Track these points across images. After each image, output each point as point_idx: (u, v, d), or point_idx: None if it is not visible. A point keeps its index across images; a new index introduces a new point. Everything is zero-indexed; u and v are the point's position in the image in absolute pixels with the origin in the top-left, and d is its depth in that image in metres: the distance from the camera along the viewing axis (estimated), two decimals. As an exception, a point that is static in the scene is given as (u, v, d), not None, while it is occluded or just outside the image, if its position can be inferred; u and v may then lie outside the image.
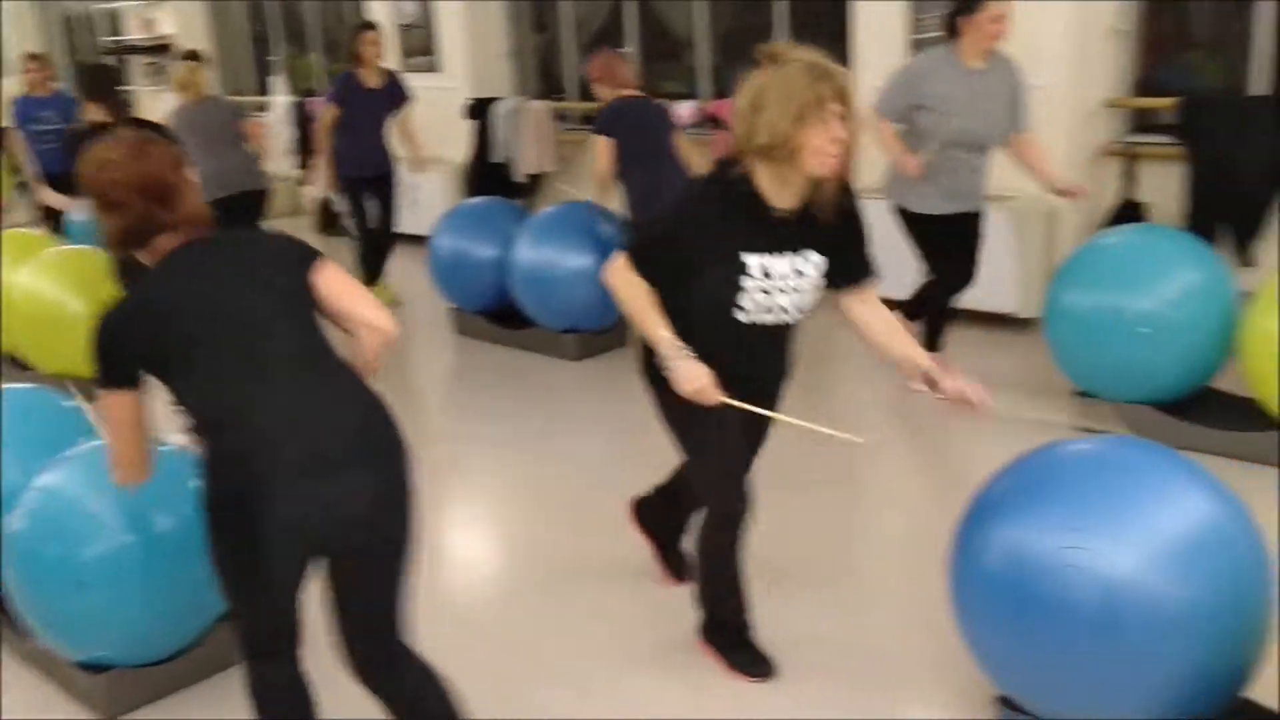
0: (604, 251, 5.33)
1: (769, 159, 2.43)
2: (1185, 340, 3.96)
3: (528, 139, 7.92)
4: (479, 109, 8.15)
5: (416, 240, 7.44)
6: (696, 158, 5.27)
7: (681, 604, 3.05)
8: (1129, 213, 5.37)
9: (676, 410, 2.68)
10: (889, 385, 4.75)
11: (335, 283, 2.17)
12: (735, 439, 2.74)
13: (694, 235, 2.53)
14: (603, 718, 2.77)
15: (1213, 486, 2.30)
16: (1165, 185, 5.32)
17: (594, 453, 4.66)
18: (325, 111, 6.33)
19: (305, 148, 9.00)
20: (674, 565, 3.31)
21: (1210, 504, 2.27)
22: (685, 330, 2.56)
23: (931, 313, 4.72)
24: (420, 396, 5.56)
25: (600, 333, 5.55)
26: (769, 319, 2.61)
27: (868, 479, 4.14)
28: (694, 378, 2.50)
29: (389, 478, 2.14)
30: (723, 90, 7.31)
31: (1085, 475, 2.30)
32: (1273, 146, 4.97)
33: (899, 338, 2.72)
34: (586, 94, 6.71)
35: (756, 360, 2.71)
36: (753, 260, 2.52)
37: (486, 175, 8.03)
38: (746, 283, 2.53)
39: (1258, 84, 5.23)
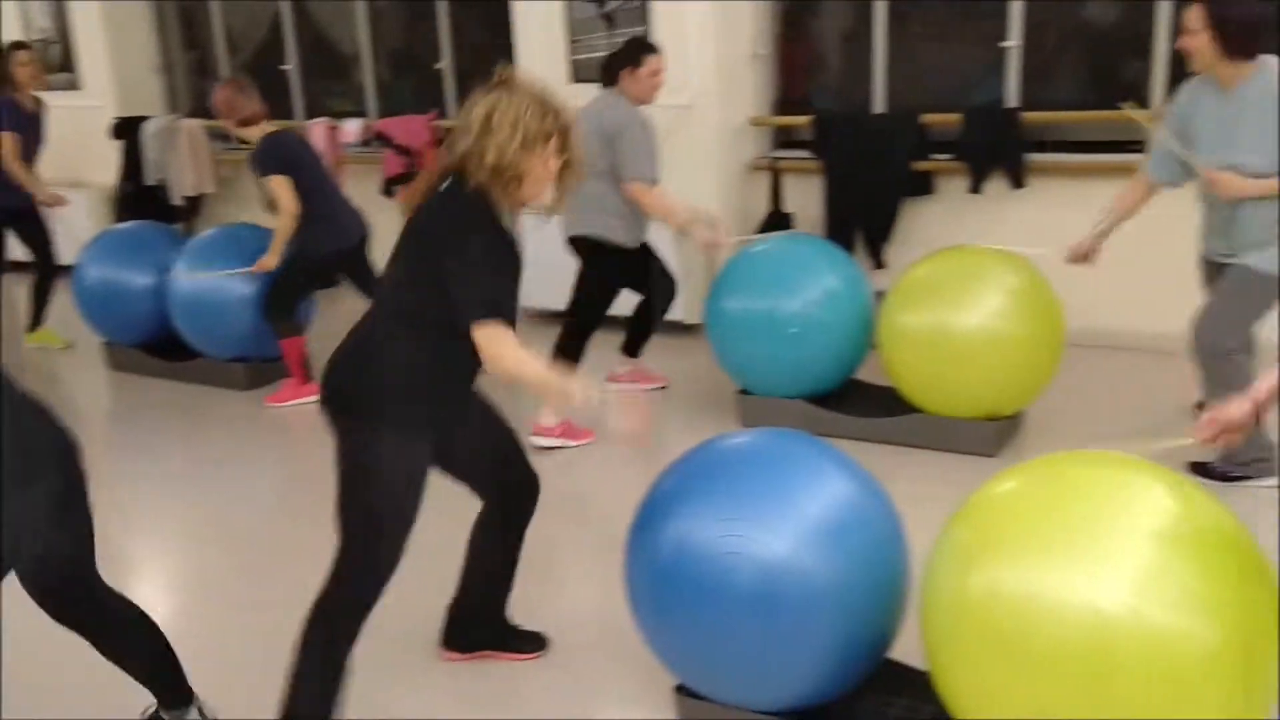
0: (268, 276, 5.13)
1: (492, 180, 2.46)
2: (830, 337, 4.33)
3: (183, 159, 7.50)
4: (126, 128, 7.63)
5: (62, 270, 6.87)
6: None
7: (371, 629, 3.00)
8: (777, 222, 5.79)
9: (385, 479, 2.48)
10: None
11: None
12: (416, 509, 2.57)
13: (506, 260, 2.52)
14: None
15: (853, 470, 2.53)
16: (807, 196, 5.79)
17: (271, 483, 4.50)
18: (6, 140, 5.71)
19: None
20: (526, 644, 3.08)
21: (852, 486, 2.48)
22: (460, 362, 2.50)
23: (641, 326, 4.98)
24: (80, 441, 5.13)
25: (270, 360, 5.33)
26: None
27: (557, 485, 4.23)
28: (580, 386, 2.45)
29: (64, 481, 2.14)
30: (391, 108, 7.23)
31: (741, 467, 2.47)
32: (894, 160, 5.52)
33: None
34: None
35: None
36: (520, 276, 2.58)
37: (138, 198, 7.53)
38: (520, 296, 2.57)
39: (879, 103, 5.80)
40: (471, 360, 2.46)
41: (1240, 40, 3.47)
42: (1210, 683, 1.94)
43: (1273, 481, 3.68)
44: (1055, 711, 1.98)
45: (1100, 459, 2.27)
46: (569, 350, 4.64)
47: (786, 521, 2.34)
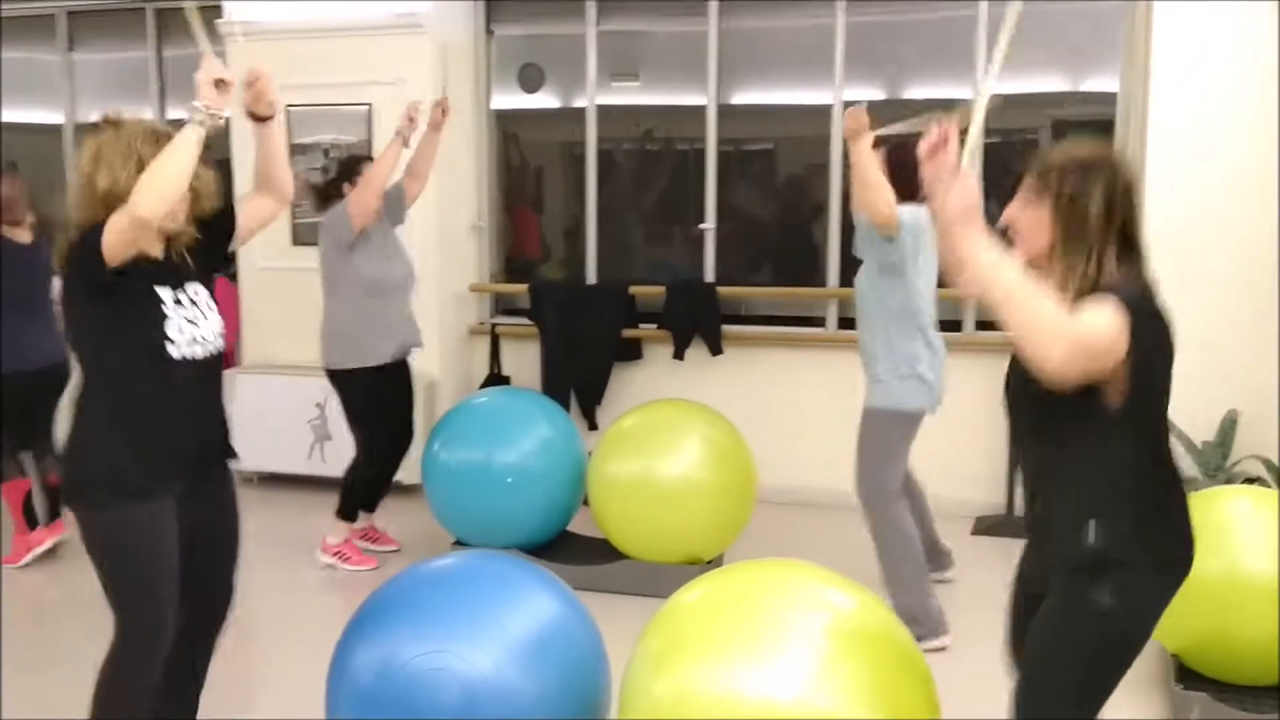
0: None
1: (106, 210, 2.46)
2: (545, 487, 4.49)
3: None
4: None
5: None
6: None
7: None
8: (496, 384, 5.98)
9: (115, 529, 2.52)
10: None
11: None
12: (174, 561, 2.59)
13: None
14: None
15: (556, 588, 2.65)
16: (525, 359, 6.04)
17: None
18: None
19: None
20: None
21: (555, 605, 2.61)
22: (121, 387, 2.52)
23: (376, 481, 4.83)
24: None
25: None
26: (199, 351, 2.60)
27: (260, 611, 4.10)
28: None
29: None
30: None
31: (444, 586, 2.55)
32: (605, 327, 5.88)
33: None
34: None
35: (199, 411, 2.64)
36: (165, 292, 2.56)
37: None
38: (167, 310, 2.55)
39: (591, 275, 6.20)
40: (160, 387, 2.49)
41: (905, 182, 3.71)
42: (870, 760, 2.14)
43: (943, 641, 3.95)
44: (738, 798, 2.12)
45: (775, 565, 2.50)
46: (361, 490, 4.73)
47: (490, 639, 2.41)
